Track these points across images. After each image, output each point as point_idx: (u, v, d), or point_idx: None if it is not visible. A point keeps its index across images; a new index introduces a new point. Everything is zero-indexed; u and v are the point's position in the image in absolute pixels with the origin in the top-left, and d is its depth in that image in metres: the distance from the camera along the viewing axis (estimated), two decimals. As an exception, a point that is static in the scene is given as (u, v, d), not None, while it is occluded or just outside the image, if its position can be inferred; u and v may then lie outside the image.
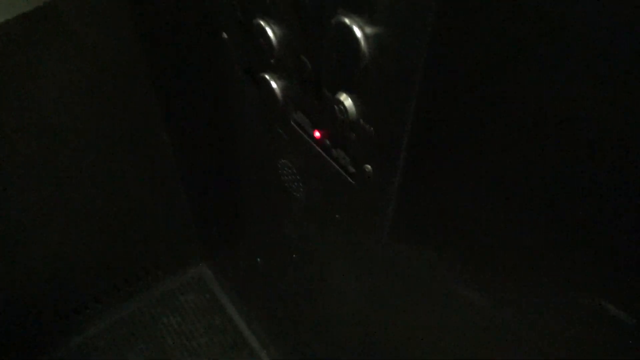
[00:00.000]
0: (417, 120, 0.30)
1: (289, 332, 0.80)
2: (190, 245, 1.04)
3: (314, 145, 0.42)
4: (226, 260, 0.97)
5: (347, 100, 0.33)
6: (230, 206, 0.77)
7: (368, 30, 0.29)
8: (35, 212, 0.76)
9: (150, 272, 1.02)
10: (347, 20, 0.29)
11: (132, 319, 1.04)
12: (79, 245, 0.86)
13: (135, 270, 1.00)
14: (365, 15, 0.28)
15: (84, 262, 0.89)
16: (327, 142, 0.40)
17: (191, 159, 0.83)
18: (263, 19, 0.38)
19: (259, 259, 0.76)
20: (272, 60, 0.40)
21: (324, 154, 0.41)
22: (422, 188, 0.33)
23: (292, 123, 0.43)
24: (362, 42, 0.29)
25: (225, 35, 0.47)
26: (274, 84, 0.42)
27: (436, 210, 0.33)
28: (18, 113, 0.64)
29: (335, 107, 0.34)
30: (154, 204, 0.91)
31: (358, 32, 0.29)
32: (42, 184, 0.74)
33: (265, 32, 0.38)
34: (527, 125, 0.23)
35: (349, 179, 0.39)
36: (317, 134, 0.41)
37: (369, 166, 0.36)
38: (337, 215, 0.45)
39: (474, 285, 0.32)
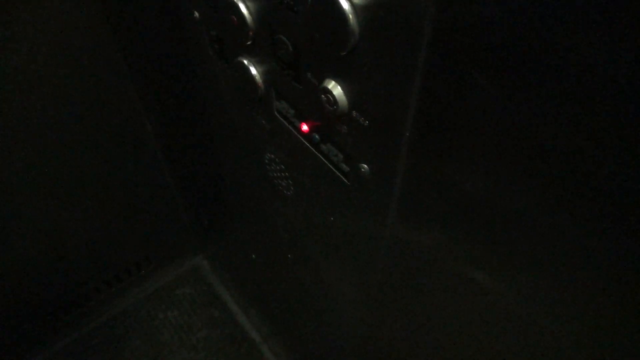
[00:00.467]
0: (421, 110, 0.24)
1: (290, 325, 0.77)
2: (185, 237, 1.01)
3: (302, 139, 0.36)
4: (222, 252, 0.93)
5: (335, 89, 0.27)
6: (220, 201, 0.72)
7: None
8: (19, 206, 0.72)
9: (142, 266, 0.99)
10: (330, -12, 0.23)
11: (127, 315, 1.01)
12: (65, 241, 0.82)
13: (127, 264, 0.97)
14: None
15: (72, 258, 0.86)
16: (316, 136, 0.34)
17: (177, 149, 0.77)
18: (234, -9, 0.32)
19: (254, 256, 0.71)
20: (248, 42, 0.34)
21: (314, 150, 0.35)
22: (427, 171, 0.28)
23: (276, 113, 0.37)
24: (350, 15, 0.23)
25: (196, 14, 0.40)
26: (252, 70, 0.36)
27: (443, 192, 0.28)
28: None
29: (322, 96, 0.28)
30: (142, 194, 0.87)
31: (344, 3, 0.23)
32: (23, 178, 0.69)
33: (238, 7, 0.32)
34: (548, 95, 0.19)
35: (343, 178, 0.34)
36: (304, 127, 0.35)
37: (365, 165, 0.30)
38: (331, 218, 0.39)
39: (483, 268, 0.29)
